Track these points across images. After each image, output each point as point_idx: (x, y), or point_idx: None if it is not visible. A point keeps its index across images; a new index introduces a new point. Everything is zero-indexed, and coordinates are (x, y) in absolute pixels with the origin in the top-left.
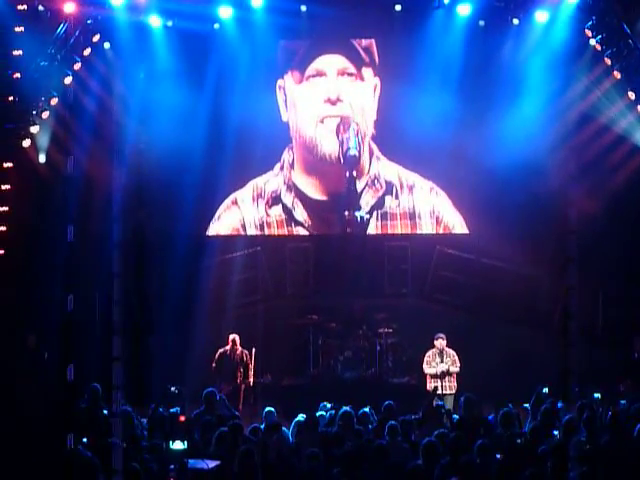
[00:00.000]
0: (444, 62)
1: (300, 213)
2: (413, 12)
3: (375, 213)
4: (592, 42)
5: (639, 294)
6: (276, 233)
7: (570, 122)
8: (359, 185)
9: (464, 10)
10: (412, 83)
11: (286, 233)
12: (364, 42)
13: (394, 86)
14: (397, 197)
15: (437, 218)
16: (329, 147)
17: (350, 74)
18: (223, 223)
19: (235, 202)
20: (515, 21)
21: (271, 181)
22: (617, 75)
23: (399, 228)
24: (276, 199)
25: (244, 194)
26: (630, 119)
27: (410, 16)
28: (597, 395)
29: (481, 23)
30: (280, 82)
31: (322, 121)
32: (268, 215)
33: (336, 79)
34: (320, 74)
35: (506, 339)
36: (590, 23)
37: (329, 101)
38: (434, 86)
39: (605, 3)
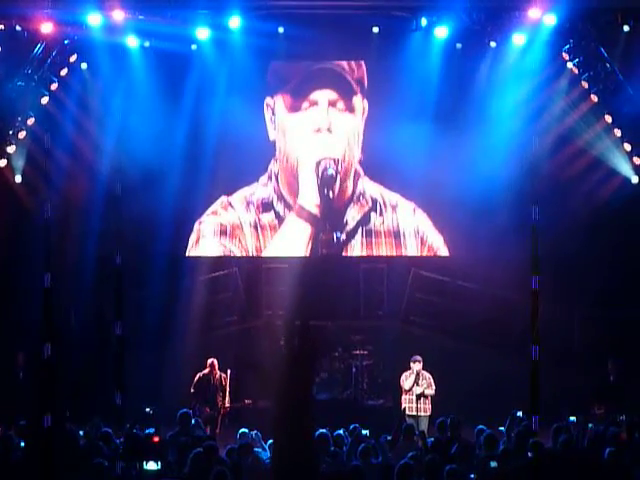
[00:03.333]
0: (421, 85)
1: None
2: (391, 35)
3: (360, 229)
4: (569, 65)
5: (614, 317)
6: (270, 237)
7: (547, 144)
8: (343, 203)
9: (442, 33)
10: (391, 105)
11: (277, 244)
12: (357, 71)
13: (376, 108)
14: (381, 214)
15: (422, 238)
16: (311, 172)
17: (340, 107)
18: (219, 221)
19: (230, 204)
20: (492, 44)
21: (259, 190)
22: (594, 98)
23: (383, 246)
24: (267, 206)
25: (235, 198)
26: (607, 142)
27: (388, 39)
28: (573, 418)
29: (458, 46)
30: (269, 100)
31: (310, 150)
32: (260, 220)
33: (327, 110)
34: (312, 104)
35: (482, 362)
36: (567, 47)
37: (319, 131)
38: (412, 108)
39: (582, 27)
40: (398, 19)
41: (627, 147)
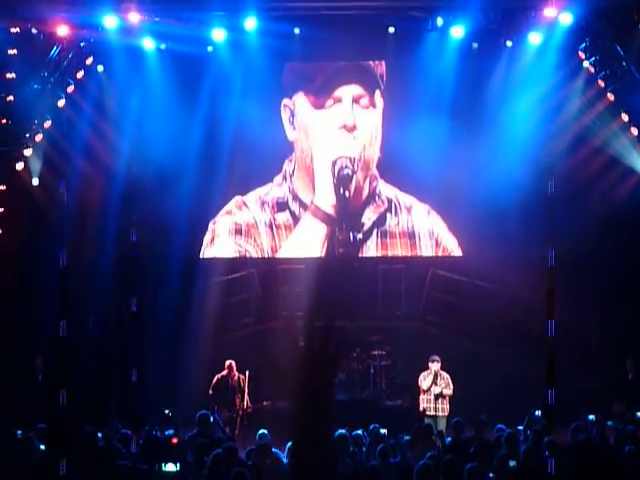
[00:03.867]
0: (437, 85)
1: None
2: (407, 34)
3: (375, 231)
4: (585, 64)
5: (632, 314)
6: (285, 237)
7: (564, 144)
8: (359, 203)
9: (457, 32)
10: (407, 105)
11: (293, 244)
12: (379, 68)
13: (392, 108)
14: (397, 215)
15: (436, 240)
16: (328, 171)
17: (364, 101)
18: (234, 220)
19: (245, 203)
20: (508, 43)
21: (274, 190)
22: (610, 97)
23: (398, 247)
24: (282, 205)
25: (250, 198)
26: (623, 141)
27: (404, 39)
28: (592, 417)
29: (474, 45)
30: (287, 102)
31: (332, 149)
32: (275, 219)
33: (351, 106)
34: (336, 101)
35: (499, 361)
36: (583, 45)
37: (345, 128)
38: (428, 109)
39: (598, 25)
40: (414, 19)
41: None
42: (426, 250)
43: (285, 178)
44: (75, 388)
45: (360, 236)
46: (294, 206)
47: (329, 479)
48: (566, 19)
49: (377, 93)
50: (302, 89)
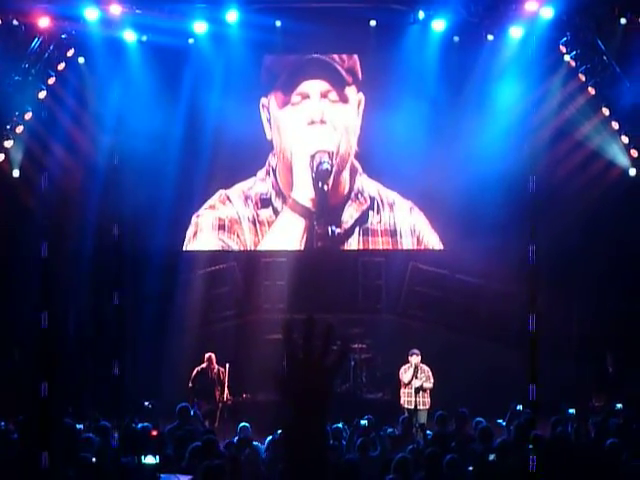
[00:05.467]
0: (419, 78)
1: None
2: (388, 28)
3: (357, 229)
4: (566, 58)
5: (612, 309)
6: (267, 231)
7: (545, 138)
8: (340, 198)
9: (439, 26)
10: (388, 99)
11: (274, 239)
12: (347, 61)
13: (373, 102)
14: (379, 213)
15: (417, 237)
16: (306, 166)
17: (333, 98)
18: (217, 215)
19: (228, 198)
20: (490, 37)
21: (257, 185)
22: (591, 91)
23: (380, 245)
24: (265, 202)
25: (233, 193)
26: (604, 135)
27: (385, 32)
28: (572, 411)
29: (456, 39)
30: (264, 101)
31: (305, 144)
32: (258, 215)
33: (319, 101)
34: (303, 97)
35: (480, 355)
36: (565, 39)
37: (313, 123)
38: (409, 102)
39: (580, 19)
40: (395, 12)
41: (625, 140)
42: (407, 246)
43: (268, 173)
44: (55, 380)
45: (339, 231)
46: (277, 202)
47: (321, 473)
48: (547, 13)
49: (350, 88)
50: (273, 86)
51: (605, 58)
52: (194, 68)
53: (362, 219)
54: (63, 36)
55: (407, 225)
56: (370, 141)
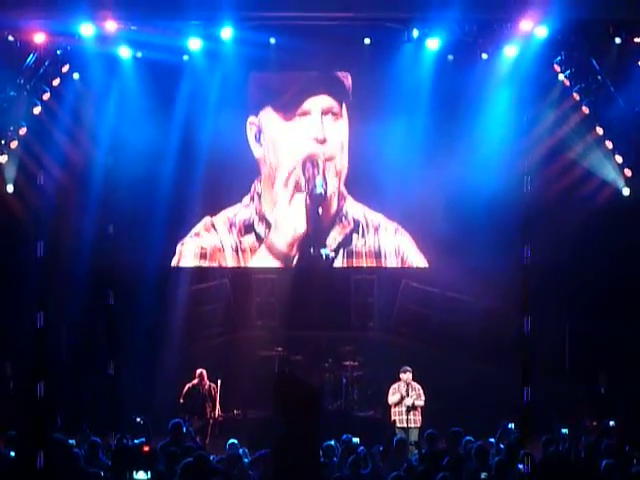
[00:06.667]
0: (412, 97)
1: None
2: (383, 46)
3: (342, 250)
4: (561, 77)
5: (604, 328)
6: (250, 258)
7: (538, 157)
8: (327, 221)
9: (433, 44)
10: (379, 119)
11: (258, 265)
12: (349, 78)
13: (362, 122)
14: (363, 235)
15: (402, 258)
16: (301, 188)
17: (334, 113)
18: (200, 244)
19: (213, 226)
20: (484, 56)
21: (242, 211)
22: (585, 110)
23: (365, 265)
24: (249, 227)
25: (219, 220)
26: (598, 154)
27: (380, 50)
28: (565, 430)
29: (450, 57)
30: (252, 119)
31: (306, 160)
32: (241, 243)
33: (321, 119)
34: (305, 113)
35: (472, 373)
36: (559, 58)
37: (315, 140)
38: (401, 122)
39: (574, 39)
40: (390, 30)
41: (618, 159)
42: (392, 266)
43: (252, 199)
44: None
45: (332, 254)
46: (260, 228)
47: None
48: (542, 32)
49: (345, 105)
50: (270, 103)
51: (599, 77)
52: (188, 85)
53: (346, 242)
54: (58, 52)
55: (392, 246)
56: (357, 163)
